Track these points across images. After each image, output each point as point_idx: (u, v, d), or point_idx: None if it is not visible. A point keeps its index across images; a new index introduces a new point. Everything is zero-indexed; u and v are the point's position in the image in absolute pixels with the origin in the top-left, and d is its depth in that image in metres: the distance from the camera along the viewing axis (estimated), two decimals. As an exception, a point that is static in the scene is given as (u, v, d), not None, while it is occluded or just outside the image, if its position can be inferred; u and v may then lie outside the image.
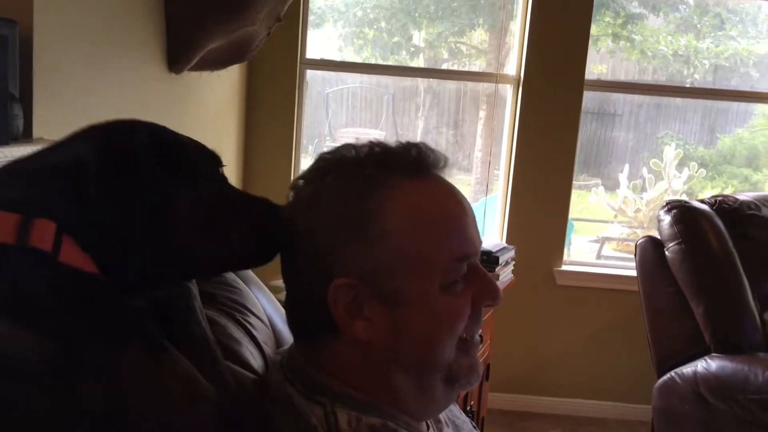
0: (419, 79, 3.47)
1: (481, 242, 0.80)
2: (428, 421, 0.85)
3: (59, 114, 1.47)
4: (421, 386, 0.77)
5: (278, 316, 1.10)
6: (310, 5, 3.02)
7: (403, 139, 0.81)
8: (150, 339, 0.68)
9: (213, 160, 0.75)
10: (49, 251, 0.59)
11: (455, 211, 0.77)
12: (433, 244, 0.74)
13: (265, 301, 1.10)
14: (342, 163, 0.77)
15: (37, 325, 0.57)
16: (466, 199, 0.80)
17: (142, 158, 0.66)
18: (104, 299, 0.63)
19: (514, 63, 3.04)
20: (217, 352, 0.85)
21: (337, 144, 0.83)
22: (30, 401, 0.54)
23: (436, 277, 0.73)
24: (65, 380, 0.57)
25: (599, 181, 3.55)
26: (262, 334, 1.02)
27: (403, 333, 0.74)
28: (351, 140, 0.82)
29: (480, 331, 2.30)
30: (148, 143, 0.67)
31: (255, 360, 0.95)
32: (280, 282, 0.82)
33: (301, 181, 0.79)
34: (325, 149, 0.82)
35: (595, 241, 3.53)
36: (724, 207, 2.35)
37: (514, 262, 2.41)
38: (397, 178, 0.75)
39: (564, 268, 3.06)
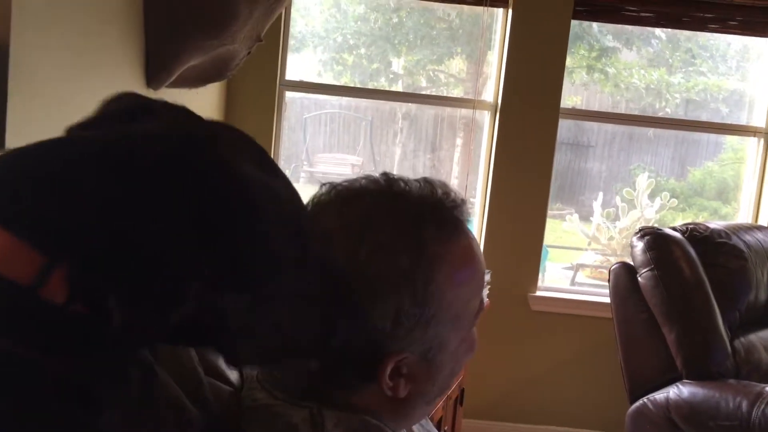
0: (397, 106, 3.50)
1: None
2: None
3: (33, 125, 1.45)
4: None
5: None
6: (291, 29, 3.04)
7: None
8: (143, 364, 0.64)
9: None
10: (59, 304, 0.53)
11: (481, 266, 0.78)
12: (469, 301, 0.76)
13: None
14: (396, 213, 0.72)
15: (50, 352, 0.53)
16: None
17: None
18: (104, 337, 0.58)
19: (491, 90, 3.08)
20: (198, 368, 0.83)
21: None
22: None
23: (468, 328, 0.77)
24: (87, 409, 0.54)
25: (573, 210, 3.58)
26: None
27: (437, 379, 0.76)
28: (375, 171, 0.78)
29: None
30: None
31: (231, 371, 0.93)
32: None
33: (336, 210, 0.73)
34: (354, 176, 0.77)
35: (569, 268, 3.55)
36: (695, 235, 2.39)
37: (489, 287, 2.41)
38: (443, 234, 0.73)
39: (539, 293, 3.07)
